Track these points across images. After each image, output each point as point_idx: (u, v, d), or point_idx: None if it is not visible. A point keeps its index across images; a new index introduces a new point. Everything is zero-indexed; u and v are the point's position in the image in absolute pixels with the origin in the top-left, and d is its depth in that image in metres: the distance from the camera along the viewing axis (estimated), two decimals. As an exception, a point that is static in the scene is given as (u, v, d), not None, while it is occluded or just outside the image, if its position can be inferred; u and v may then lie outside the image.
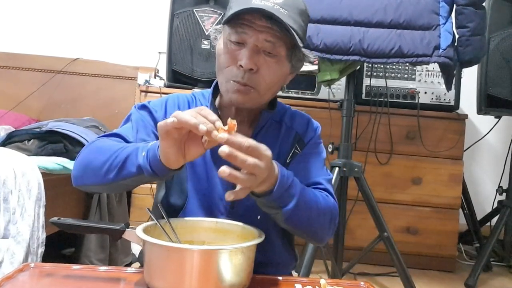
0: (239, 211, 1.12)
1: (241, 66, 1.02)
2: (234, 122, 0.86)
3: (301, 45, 1.05)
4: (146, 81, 3.02)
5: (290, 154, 1.17)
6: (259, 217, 1.10)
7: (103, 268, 1.00)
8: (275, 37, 1.02)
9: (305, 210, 1.01)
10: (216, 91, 1.16)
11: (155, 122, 1.10)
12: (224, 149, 0.83)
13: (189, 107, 1.16)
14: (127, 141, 1.08)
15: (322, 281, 0.92)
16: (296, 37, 1.02)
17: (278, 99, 1.21)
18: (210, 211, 1.12)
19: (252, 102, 1.08)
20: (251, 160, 0.85)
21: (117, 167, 0.96)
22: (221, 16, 2.93)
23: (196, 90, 1.22)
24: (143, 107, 1.14)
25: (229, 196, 0.88)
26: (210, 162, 1.12)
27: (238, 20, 1.02)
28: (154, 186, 2.09)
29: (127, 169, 0.95)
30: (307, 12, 1.08)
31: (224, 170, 0.84)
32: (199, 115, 0.85)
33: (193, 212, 1.11)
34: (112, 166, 0.96)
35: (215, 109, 1.13)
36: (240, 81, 1.04)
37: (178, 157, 0.88)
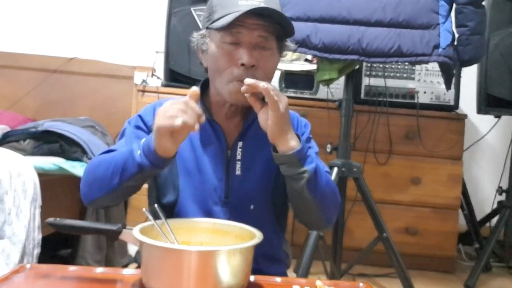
0: (233, 201, 1.15)
1: (242, 64, 1.08)
2: None
3: (293, 31, 1.12)
4: (143, 81, 3.02)
5: None
6: (252, 207, 1.16)
7: (100, 269, 1.01)
8: (267, 32, 1.09)
9: (321, 177, 1.09)
10: (204, 89, 1.21)
11: (147, 128, 1.17)
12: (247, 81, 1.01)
13: None
14: None
15: (318, 283, 0.91)
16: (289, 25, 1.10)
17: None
18: (203, 203, 1.15)
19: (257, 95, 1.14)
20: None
21: (119, 171, 1.02)
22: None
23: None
24: (135, 120, 1.20)
25: (248, 80, 1.01)
26: (201, 154, 1.17)
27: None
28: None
29: (129, 170, 1.01)
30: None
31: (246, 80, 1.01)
32: (188, 110, 0.94)
33: (186, 206, 1.14)
34: (114, 172, 1.03)
35: (204, 107, 1.18)
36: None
37: (174, 146, 0.96)
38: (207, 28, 1.13)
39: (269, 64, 1.12)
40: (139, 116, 1.19)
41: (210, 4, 1.13)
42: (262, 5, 1.06)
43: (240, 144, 1.17)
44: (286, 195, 1.24)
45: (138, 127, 1.18)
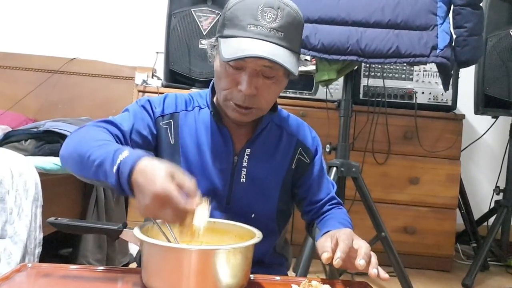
0: (234, 208, 1.14)
1: (241, 91, 1.04)
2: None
3: (295, 72, 1.05)
4: (144, 81, 3.02)
5: (295, 161, 1.20)
6: (253, 215, 1.14)
7: (101, 268, 1.00)
8: (272, 62, 1.01)
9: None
10: (214, 90, 1.18)
11: (154, 117, 1.15)
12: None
13: (186, 107, 1.18)
14: (120, 129, 1.09)
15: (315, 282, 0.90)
16: (292, 66, 1.03)
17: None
18: None
19: (254, 117, 1.11)
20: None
21: (92, 167, 0.93)
22: (218, 16, 2.92)
23: (194, 90, 1.24)
24: (144, 102, 1.16)
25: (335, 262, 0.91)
26: (207, 158, 1.14)
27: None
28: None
29: (99, 175, 0.93)
30: (300, 19, 1.08)
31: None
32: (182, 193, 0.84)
33: None
34: (88, 165, 0.94)
35: (213, 108, 1.16)
36: (242, 105, 1.06)
37: None
38: (216, 38, 1.09)
39: (271, 92, 1.08)
40: (149, 100, 1.16)
41: (224, 13, 1.07)
42: (273, 32, 1.01)
43: (248, 151, 1.15)
44: (291, 203, 1.24)
45: (144, 108, 1.15)
